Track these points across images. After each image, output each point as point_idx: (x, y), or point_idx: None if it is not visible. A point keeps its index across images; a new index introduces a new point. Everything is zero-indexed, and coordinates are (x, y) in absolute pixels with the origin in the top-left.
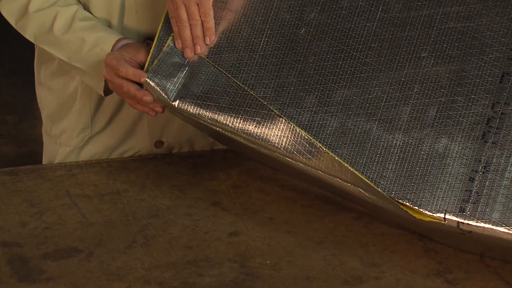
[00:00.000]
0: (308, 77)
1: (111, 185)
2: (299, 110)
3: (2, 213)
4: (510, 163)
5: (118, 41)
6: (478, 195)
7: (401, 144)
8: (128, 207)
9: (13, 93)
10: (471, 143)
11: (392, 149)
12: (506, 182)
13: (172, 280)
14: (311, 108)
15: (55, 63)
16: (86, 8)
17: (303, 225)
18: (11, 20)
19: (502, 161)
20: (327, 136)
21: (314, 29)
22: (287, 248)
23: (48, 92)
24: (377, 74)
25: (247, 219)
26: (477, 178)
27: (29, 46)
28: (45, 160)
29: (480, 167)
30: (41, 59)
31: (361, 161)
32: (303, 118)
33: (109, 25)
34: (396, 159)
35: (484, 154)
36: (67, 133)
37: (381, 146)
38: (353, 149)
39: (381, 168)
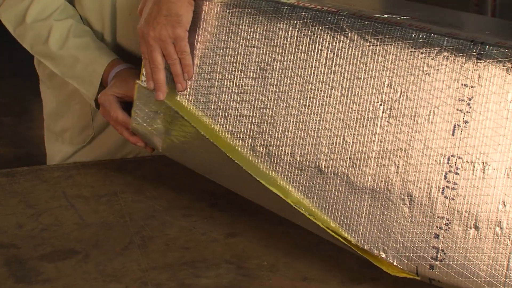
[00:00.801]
0: (279, 124)
1: (108, 186)
2: (274, 161)
3: None
4: (469, 220)
5: (111, 64)
6: (444, 253)
7: (370, 200)
8: (125, 208)
9: (10, 94)
10: (433, 198)
11: (363, 199)
12: (467, 238)
13: (169, 281)
14: (285, 158)
15: None
16: (80, 11)
17: (300, 226)
18: (9, 28)
19: (462, 218)
20: (303, 185)
21: (279, 73)
22: (284, 249)
23: (48, 90)
24: (339, 131)
25: (244, 220)
26: (441, 235)
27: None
28: (48, 156)
29: (443, 224)
30: (38, 59)
31: (337, 212)
32: (280, 167)
33: (103, 28)
34: (368, 206)
35: (445, 210)
36: (69, 131)
37: (354, 192)
38: (330, 198)
39: (357, 218)
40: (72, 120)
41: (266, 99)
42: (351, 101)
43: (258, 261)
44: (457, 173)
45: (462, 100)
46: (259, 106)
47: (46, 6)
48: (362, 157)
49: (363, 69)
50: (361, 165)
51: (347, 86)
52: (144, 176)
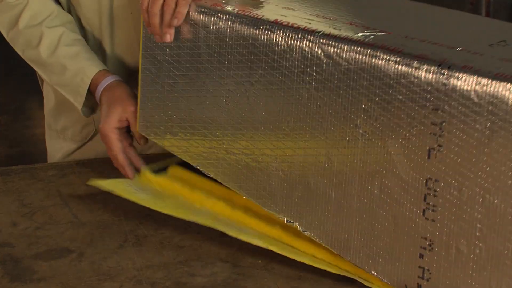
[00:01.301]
0: (267, 138)
1: None
2: (264, 177)
3: None
4: (450, 242)
5: (97, 76)
6: (430, 273)
7: (357, 219)
8: (120, 207)
9: (6, 94)
10: (414, 219)
11: (351, 218)
12: (450, 259)
13: (164, 280)
14: (277, 175)
15: None
16: (78, 10)
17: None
18: (3, 31)
19: (444, 238)
20: (295, 203)
21: (263, 86)
22: None
23: (48, 88)
24: (324, 150)
25: None
26: (425, 255)
27: None
28: (49, 154)
29: (427, 244)
30: None
31: (328, 230)
32: (273, 182)
33: (101, 28)
34: (356, 226)
35: (427, 231)
36: (71, 129)
37: (342, 211)
38: (320, 215)
39: (347, 236)
40: (73, 118)
41: (252, 113)
42: (331, 123)
43: (253, 260)
44: (435, 196)
45: (435, 124)
46: (248, 120)
47: (38, 12)
48: (346, 178)
49: (339, 92)
50: (346, 186)
51: (326, 108)
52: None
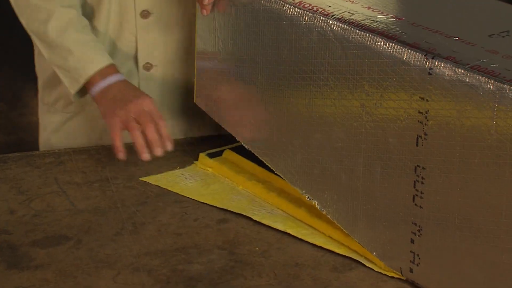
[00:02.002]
0: (290, 117)
1: (100, 172)
2: (290, 154)
3: None
4: (436, 229)
5: (105, 69)
6: (419, 258)
7: (362, 201)
8: (117, 194)
9: (2, 82)
10: (406, 204)
11: (357, 200)
12: (439, 245)
13: (161, 267)
14: (299, 150)
15: None
16: None
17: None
18: None
19: (431, 225)
20: (315, 179)
21: (288, 66)
22: (276, 235)
23: (43, 60)
24: (335, 132)
25: None
26: (416, 240)
27: (17, 35)
28: (41, 126)
29: (416, 230)
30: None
31: (340, 209)
32: (297, 161)
33: None
34: (361, 208)
35: (417, 217)
36: (62, 100)
37: (350, 192)
38: (334, 194)
39: (354, 216)
40: (65, 89)
41: (279, 93)
42: (341, 104)
43: (250, 247)
44: (423, 183)
45: (421, 112)
46: (273, 100)
47: None
48: (353, 161)
49: (347, 76)
50: (352, 166)
51: (338, 87)
52: (136, 162)
